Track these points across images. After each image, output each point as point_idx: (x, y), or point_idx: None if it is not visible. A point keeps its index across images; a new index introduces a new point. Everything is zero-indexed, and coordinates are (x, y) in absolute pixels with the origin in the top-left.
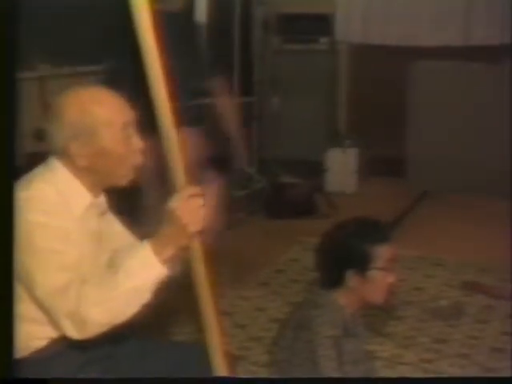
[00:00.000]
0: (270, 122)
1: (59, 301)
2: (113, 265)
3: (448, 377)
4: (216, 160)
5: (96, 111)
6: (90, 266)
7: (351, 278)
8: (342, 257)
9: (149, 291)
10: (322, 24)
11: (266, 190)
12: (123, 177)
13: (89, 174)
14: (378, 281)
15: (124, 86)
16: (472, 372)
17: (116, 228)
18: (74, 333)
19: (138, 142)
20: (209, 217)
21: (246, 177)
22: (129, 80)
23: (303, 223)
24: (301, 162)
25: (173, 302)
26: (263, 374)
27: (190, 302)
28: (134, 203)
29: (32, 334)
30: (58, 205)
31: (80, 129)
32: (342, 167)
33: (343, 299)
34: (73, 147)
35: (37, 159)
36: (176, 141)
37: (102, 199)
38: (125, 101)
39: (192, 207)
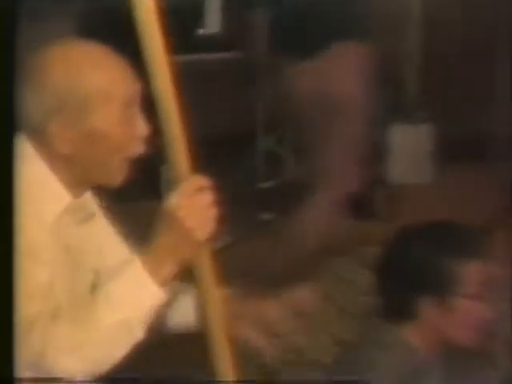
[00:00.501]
0: None
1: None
2: (95, 292)
3: None
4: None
5: (90, 77)
6: (65, 293)
7: (426, 308)
8: (413, 277)
9: (141, 326)
10: None
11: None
12: (116, 172)
13: (70, 165)
14: (464, 312)
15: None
16: None
17: (107, 239)
18: None
19: (141, 126)
20: (220, 219)
21: (275, 160)
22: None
23: (355, 227)
24: None
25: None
26: None
27: (196, 338)
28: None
29: None
30: (26, 207)
31: (65, 100)
32: (410, 149)
33: (415, 336)
34: (52, 126)
35: None
36: (176, 118)
37: (86, 200)
38: (130, 67)
39: (199, 205)
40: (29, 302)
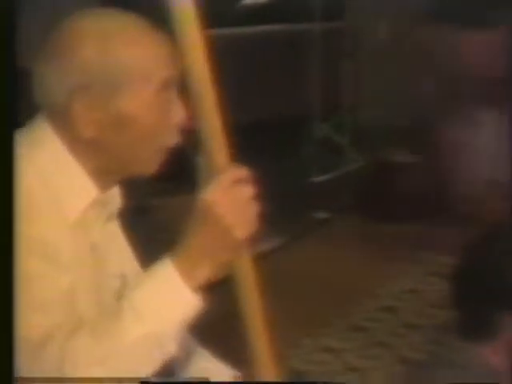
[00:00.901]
0: (370, 60)
1: (32, 359)
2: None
3: None
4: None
5: (123, 52)
6: (87, 301)
7: (510, 325)
8: (496, 289)
9: (173, 339)
10: None
11: (364, 174)
12: (148, 162)
13: (96, 151)
14: None
15: None
16: None
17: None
18: None
19: (178, 114)
20: (260, 215)
21: (332, 150)
22: None
23: (425, 230)
24: (419, 129)
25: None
26: None
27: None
28: None
29: None
30: (43, 201)
31: (93, 77)
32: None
33: (495, 357)
34: (77, 105)
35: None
36: (212, 101)
37: (114, 194)
38: (171, 45)
39: (238, 200)
40: (45, 313)
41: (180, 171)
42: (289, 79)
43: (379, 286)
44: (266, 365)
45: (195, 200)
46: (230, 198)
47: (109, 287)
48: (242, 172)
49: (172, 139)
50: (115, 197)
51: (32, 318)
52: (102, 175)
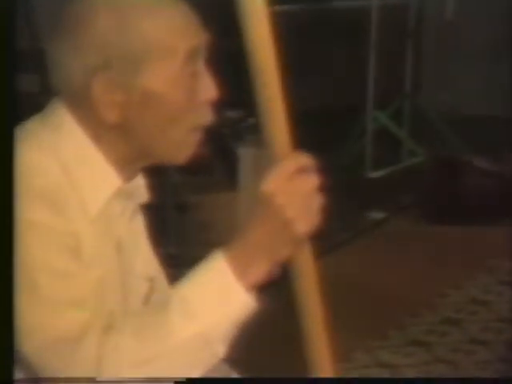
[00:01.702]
0: (437, 40)
1: (66, 359)
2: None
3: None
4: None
5: (143, 25)
6: (116, 300)
7: None
8: None
9: (223, 340)
10: None
11: (425, 170)
12: (178, 146)
13: (119, 137)
14: None
15: None
16: None
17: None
18: None
19: (208, 88)
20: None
21: (389, 142)
22: None
23: (495, 234)
24: (491, 117)
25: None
26: None
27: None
28: None
29: None
30: (63, 192)
31: (112, 54)
32: None
33: None
34: (97, 86)
35: (33, 103)
36: (278, 83)
37: (139, 185)
38: (193, 14)
39: (301, 190)
40: (73, 311)
41: (221, 165)
42: (342, 61)
43: (441, 295)
44: (325, 367)
45: (237, 197)
46: (292, 188)
47: (136, 290)
48: (306, 160)
49: (203, 118)
50: (140, 188)
51: (60, 318)
52: (126, 163)
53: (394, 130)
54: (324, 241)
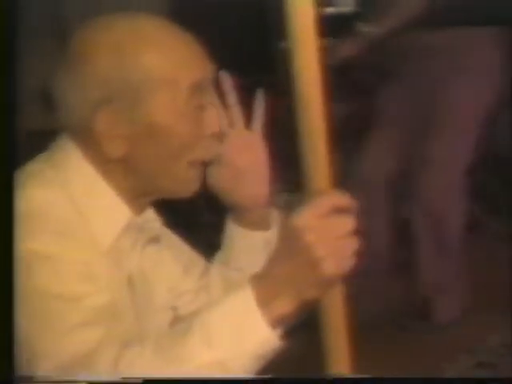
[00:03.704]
0: None
1: (79, 373)
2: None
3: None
4: None
5: (147, 59)
6: (131, 327)
7: None
8: None
9: (241, 371)
10: None
11: None
12: (184, 180)
13: (126, 171)
14: None
15: None
16: None
17: (177, 269)
18: None
19: (213, 121)
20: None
21: None
22: None
23: None
24: None
25: None
26: None
27: None
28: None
29: None
30: (72, 225)
31: (114, 88)
32: None
33: None
34: (100, 121)
35: (43, 141)
36: (319, 108)
37: (149, 218)
38: (198, 44)
39: (335, 230)
40: (87, 329)
41: None
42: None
43: (477, 338)
44: None
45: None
46: (325, 226)
47: (156, 321)
48: (344, 199)
49: (207, 152)
50: (151, 222)
51: (74, 336)
52: (135, 197)
53: None
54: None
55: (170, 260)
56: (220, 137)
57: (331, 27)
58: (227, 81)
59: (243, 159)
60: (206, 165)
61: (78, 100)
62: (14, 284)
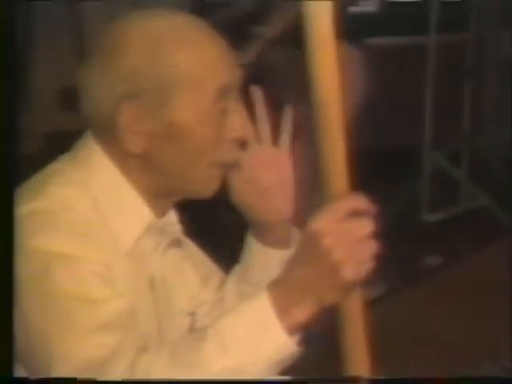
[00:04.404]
0: (495, 77)
1: (96, 376)
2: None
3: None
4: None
5: (176, 57)
6: (150, 331)
7: None
8: None
9: (258, 377)
10: None
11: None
12: (204, 181)
13: (147, 170)
14: None
15: None
16: None
17: (198, 274)
18: None
19: (237, 125)
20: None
21: (447, 184)
22: None
23: None
24: None
25: None
26: None
27: None
28: None
29: None
30: (92, 226)
31: (140, 84)
32: None
33: None
34: (124, 114)
35: (60, 145)
36: (340, 118)
37: (171, 221)
38: (228, 49)
39: (353, 233)
40: (105, 334)
41: None
42: (396, 99)
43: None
44: None
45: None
46: (343, 230)
47: (175, 326)
48: (363, 203)
49: (228, 156)
50: (173, 223)
51: (91, 341)
52: (156, 198)
53: (452, 171)
54: (374, 289)
55: (190, 269)
56: (243, 143)
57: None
58: (257, 95)
59: (269, 176)
60: (226, 166)
61: (103, 93)
62: (13, 284)
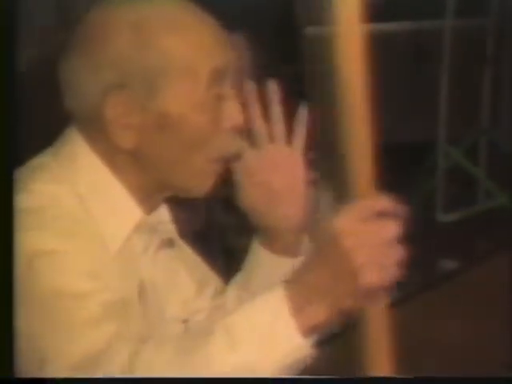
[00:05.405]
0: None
1: (96, 374)
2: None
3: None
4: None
5: (168, 43)
6: (142, 330)
7: None
8: None
9: (270, 375)
10: None
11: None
12: (199, 177)
13: (136, 165)
14: None
15: None
16: None
17: (193, 277)
18: None
19: (234, 112)
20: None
21: (464, 182)
22: None
23: None
24: None
25: None
26: None
27: None
28: None
29: None
30: (78, 223)
31: (128, 73)
32: None
33: None
34: (112, 106)
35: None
36: (364, 112)
37: (162, 218)
38: (220, 29)
39: (377, 236)
40: (97, 328)
41: None
42: (409, 89)
43: None
44: None
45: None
46: (366, 231)
47: (166, 333)
48: (389, 204)
49: (227, 147)
50: (165, 222)
51: (84, 337)
52: (145, 194)
53: (469, 168)
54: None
55: (184, 272)
56: (241, 131)
57: None
58: (274, 91)
59: (280, 179)
60: (223, 160)
61: (89, 83)
62: (13, 283)
